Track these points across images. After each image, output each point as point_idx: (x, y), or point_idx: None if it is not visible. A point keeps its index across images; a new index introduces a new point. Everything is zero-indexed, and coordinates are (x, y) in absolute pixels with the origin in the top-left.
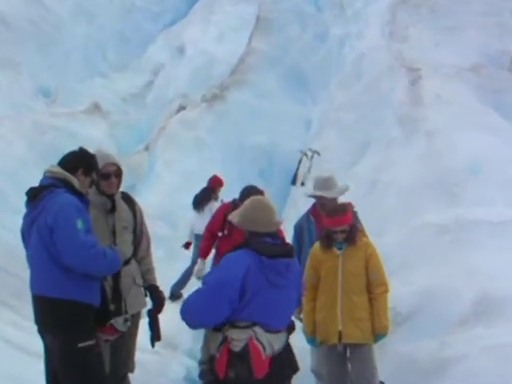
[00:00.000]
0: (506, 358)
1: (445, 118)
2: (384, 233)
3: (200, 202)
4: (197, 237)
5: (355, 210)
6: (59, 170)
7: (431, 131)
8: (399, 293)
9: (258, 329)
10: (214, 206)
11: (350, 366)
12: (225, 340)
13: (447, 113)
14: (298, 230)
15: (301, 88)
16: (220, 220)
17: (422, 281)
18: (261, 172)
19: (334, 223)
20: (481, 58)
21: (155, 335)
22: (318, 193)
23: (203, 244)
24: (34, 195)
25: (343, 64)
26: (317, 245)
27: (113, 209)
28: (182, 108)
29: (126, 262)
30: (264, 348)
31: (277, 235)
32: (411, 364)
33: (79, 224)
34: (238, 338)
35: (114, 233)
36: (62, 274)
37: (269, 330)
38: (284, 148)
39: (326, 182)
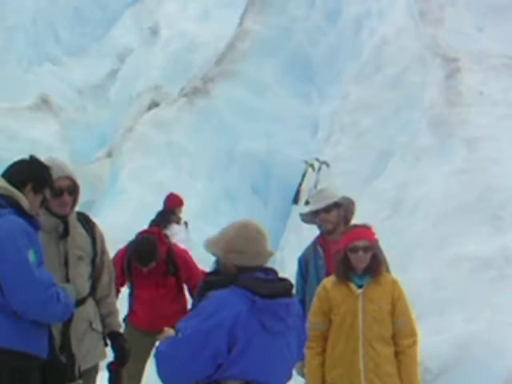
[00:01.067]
0: None
1: (489, 122)
2: (409, 267)
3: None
4: None
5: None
6: (3, 184)
7: (471, 139)
8: (428, 344)
9: None
10: (174, 230)
11: None
12: None
13: (492, 115)
14: (303, 264)
15: (305, 81)
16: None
17: (457, 329)
18: (254, 187)
19: (352, 237)
20: None
21: None
22: (306, 209)
23: None
24: None
25: (360, 52)
26: (327, 281)
27: (65, 233)
28: (154, 104)
29: (81, 302)
30: None
31: (269, 268)
32: None
33: (31, 256)
34: None
35: (66, 264)
36: (3, 318)
37: None
38: (284, 157)
39: (318, 195)
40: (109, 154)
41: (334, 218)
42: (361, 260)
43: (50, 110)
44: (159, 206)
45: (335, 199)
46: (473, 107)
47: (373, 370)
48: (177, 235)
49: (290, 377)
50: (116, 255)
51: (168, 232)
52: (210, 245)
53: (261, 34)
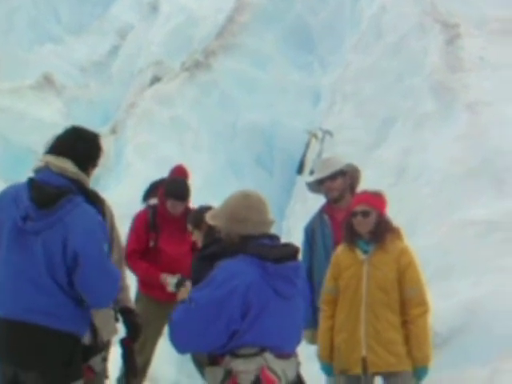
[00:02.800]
0: None
1: (491, 86)
2: (416, 233)
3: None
4: None
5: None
6: (71, 166)
7: (474, 104)
8: (437, 308)
9: (268, 355)
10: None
11: None
12: (228, 374)
13: (493, 80)
14: (310, 233)
15: (306, 51)
16: (143, 235)
17: (465, 292)
18: (258, 159)
19: (353, 202)
20: None
21: (131, 370)
22: (312, 178)
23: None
24: (46, 202)
25: (359, 20)
26: (339, 247)
27: None
28: (156, 79)
29: None
30: (279, 378)
31: (272, 235)
32: None
33: (106, 248)
34: (245, 370)
35: None
36: (69, 302)
37: (281, 354)
38: (287, 128)
39: (323, 164)
40: (113, 131)
41: (340, 186)
42: (360, 225)
43: (53, 89)
44: None
45: (340, 167)
46: (474, 72)
47: (373, 336)
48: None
49: (300, 341)
50: (137, 217)
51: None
52: (212, 217)
53: (260, 5)
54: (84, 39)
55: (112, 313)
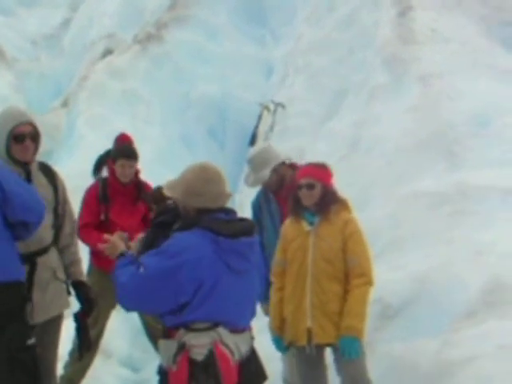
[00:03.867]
0: None
1: (442, 59)
2: (367, 205)
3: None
4: None
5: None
6: None
7: (425, 76)
8: (388, 280)
9: (221, 330)
10: None
11: (337, 372)
12: (182, 348)
13: (445, 52)
14: (257, 209)
15: (259, 24)
16: (94, 208)
17: (415, 264)
18: (211, 131)
19: (298, 175)
20: None
21: (85, 344)
22: (248, 182)
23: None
24: None
25: None
26: (287, 220)
27: (27, 181)
28: (108, 52)
29: (44, 251)
30: (232, 353)
31: (229, 209)
32: (407, 368)
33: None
34: (198, 344)
35: None
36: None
37: (234, 329)
38: (239, 100)
39: (258, 161)
40: (64, 104)
41: (274, 181)
42: (305, 197)
43: (4, 62)
44: None
45: (269, 168)
46: (426, 44)
47: (319, 307)
48: None
49: (254, 315)
50: (87, 191)
51: None
52: (169, 188)
53: None
54: (35, 12)
55: (64, 286)
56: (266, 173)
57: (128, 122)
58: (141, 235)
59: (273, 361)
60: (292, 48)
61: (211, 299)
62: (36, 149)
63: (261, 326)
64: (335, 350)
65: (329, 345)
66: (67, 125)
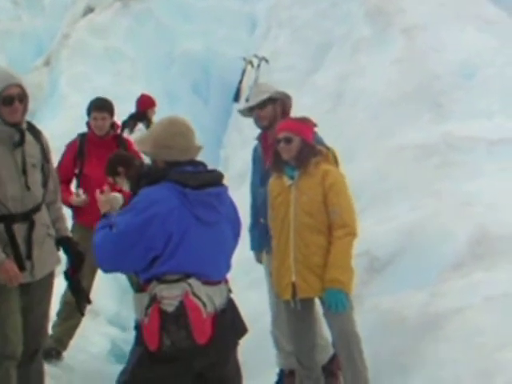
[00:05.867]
0: None
1: (427, 10)
2: (353, 158)
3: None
4: None
5: (315, 129)
6: None
7: (409, 27)
8: (375, 233)
9: (193, 281)
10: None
11: (327, 325)
12: (153, 300)
13: (429, 3)
14: (252, 157)
15: None
16: (68, 162)
17: (403, 217)
18: (195, 87)
19: (277, 129)
20: None
21: (81, 298)
22: (243, 105)
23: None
24: None
25: None
26: (272, 176)
27: (21, 142)
28: (89, 10)
29: (38, 208)
30: (204, 304)
31: (198, 161)
32: (395, 321)
33: None
34: (169, 296)
35: (24, 171)
36: None
37: (207, 281)
38: (223, 55)
39: (254, 92)
40: (46, 63)
41: (269, 114)
42: (283, 151)
43: None
44: None
45: (269, 94)
46: None
47: (302, 261)
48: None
49: (229, 267)
50: (66, 146)
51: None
52: (139, 143)
53: None
54: None
55: (54, 242)
56: (263, 96)
57: (111, 80)
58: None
59: (263, 315)
60: (275, 2)
61: (181, 250)
62: (25, 110)
63: (250, 280)
64: (323, 303)
65: (315, 297)
66: (50, 84)
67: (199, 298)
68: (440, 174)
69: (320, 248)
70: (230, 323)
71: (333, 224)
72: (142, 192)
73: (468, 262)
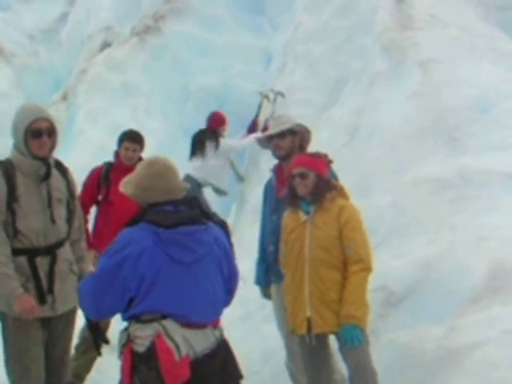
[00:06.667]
0: None
1: (441, 45)
2: (369, 192)
3: (199, 144)
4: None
5: (331, 164)
6: None
7: (425, 61)
8: (391, 267)
9: (168, 322)
10: (223, 147)
11: (343, 360)
12: (128, 339)
13: (444, 37)
14: (263, 191)
15: (257, 13)
16: (92, 187)
17: (419, 251)
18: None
19: (292, 165)
20: None
21: (100, 338)
22: (263, 135)
23: None
24: None
25: None
26: (287, 211)
27: (47, 175)
28: (106, 45)
29: (62, 243)
30: (177, 347)
31: (180, 201)
32: (413, 355)
33: None
34: (141, 336)
35: (50, 205)
36: None
37: (188, 323)
38: (239, 89)
39: (275, 121)
40: (64, 97)
41: (287, 145)
42: (299, 186)
43: (3, 57)
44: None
45: (290, 125)
46: (424, 30)
47: (318, 296)
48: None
49: (217, 309)
50: (90, 172)
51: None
52: (124, 185)
53: None
54: (33, 6)
55: (76, 279)
56: (284, 127)
57: (128, 115)
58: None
59: (277, 351)
60: (291, 36)
61: (155, 291)
62: (53, 144)
63: (265, 314)
64: (338, 338)
65: (330, 333)
66: (67, 118)
67: (172, 340)
68: (456, 208)
69: (335, 283)
70: (218, 369)
71: (348, 259)
72: (120, 234)
73: (485, 296)
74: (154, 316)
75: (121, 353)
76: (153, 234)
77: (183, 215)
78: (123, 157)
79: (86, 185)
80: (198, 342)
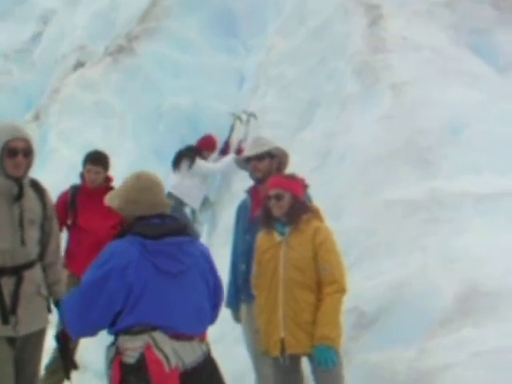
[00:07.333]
0: (502, 366)
1: (413, 67)
2: (341, 214)
3: (178, 159)
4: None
5: (307, 188)
6: None
7: (397, 84)
8: (363, 288)
9: (158, 334)
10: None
11: (314, 382)
12: (117, 352)
13: (416, 60)
14: (236, 213)
15: (230, 35)
16: (61, 213)
17: (390, 272)
18: (183, 142)
19: (267, 186)
20: None
21: (69, 364)
22: (241, 157)
23: None
24: None
25: (283, 3)
26: (260, 232)
27: (19, 195)
28: (79, 64)
29: (30, 265)
30: (167, 358)
31: (167, 215)
32: (384, 377)
33: None
34: (131, 347)
35: (21, 226)
36: None
37: (176, 335)
38: (211, 110)
39: (253, 143)
40: (36, 117)
41: (265, 167)
42: (274, 208)
43: None
44: None
45: (268, 148)
46: (397, 53)
47: (292, 317)
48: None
49: (204, 321)
50: (57, 198)
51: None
52: (109, 199)
53: None
54: (5, 26)
55: (45, 303)
56: (263, 149)
57: (100, 135)
58: None
59: (247, 373)
60: (264, 58)
61: (143, 302)
62: (29, 164)
63: (235, 335)
64: (311, 360)
65: (304, 354)
66: (39, 138)
67: (162, 351)
68: (427, 230)
69: (309, 305)
70: (205, 383)
71: (323, 281)
72: (106, 246)
73: (456, 318)
74: (143, 328)
75: (109, 367)
76: (139, 245)
77: (170, 227)
78: (87, 179)
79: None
80: (186, 354)
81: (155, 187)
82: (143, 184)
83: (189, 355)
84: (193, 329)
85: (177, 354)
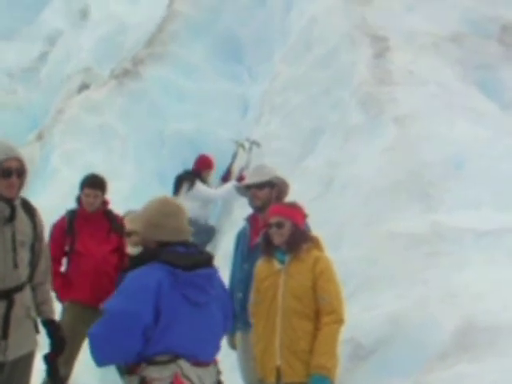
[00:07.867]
0: None
1: (419, 101)
2: (341, 245)
3: (178, 184)
4: None
5: (306, 217)
6: None
7: (401, 117)
8: (361, 320)
9: (183, 362)
10: (198, 190)
11: None
12: (143, 382)
13: (421, 94)
14: (236, 239)
15: (235, 62)
16: (60, 240)
17: (389, 304)
18: (185, 167)
19: (268, 214)
20: (463, 26)
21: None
22: (241, 184)
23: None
24: None
25: (289, 32)
26: (260, 259)
27: (11, 218)
28: (84, 86)
29: (21, 288)
30: None
31: (189, 243)
32: None
33: None
34: (159, 377)
35: (14, 249)
36: None
37: (197, 362)
38: (215, 137)
39: (254, 171)
40: (40, 137)
41: (265, 196)
42: (275, 235)
43: None
44: None
45: (269, 177)
46: (402, 86)
47: (288, 346)
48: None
49: (218, 349)
50: (54, 224)
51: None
52: (131, 221)
53: (190, 15)
54: (13, 45)
55: (33, 324)
56: (263, 178)
57: (103, 157)
58: None
59: None
60: (268, 86)
61: (170, 331)
62: (21, 185)
63: (232, 362)
64: None
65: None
66: (42, 158)
67: (189, 379)
68: (428, 264)
69: (307, 334)
70: None
71: (321, 310)
72: (134, 273)
73: (453, 353)
74: (169, 357)
75: None
76: (168, 273)
77: (199, 257)
78: (85, 203)
79: (53, 238)
80: (207, 380)
81: (180, 213)
82: (169, 209)
83: (208, 380)
84: (210, 356)
85: (201, 380)
